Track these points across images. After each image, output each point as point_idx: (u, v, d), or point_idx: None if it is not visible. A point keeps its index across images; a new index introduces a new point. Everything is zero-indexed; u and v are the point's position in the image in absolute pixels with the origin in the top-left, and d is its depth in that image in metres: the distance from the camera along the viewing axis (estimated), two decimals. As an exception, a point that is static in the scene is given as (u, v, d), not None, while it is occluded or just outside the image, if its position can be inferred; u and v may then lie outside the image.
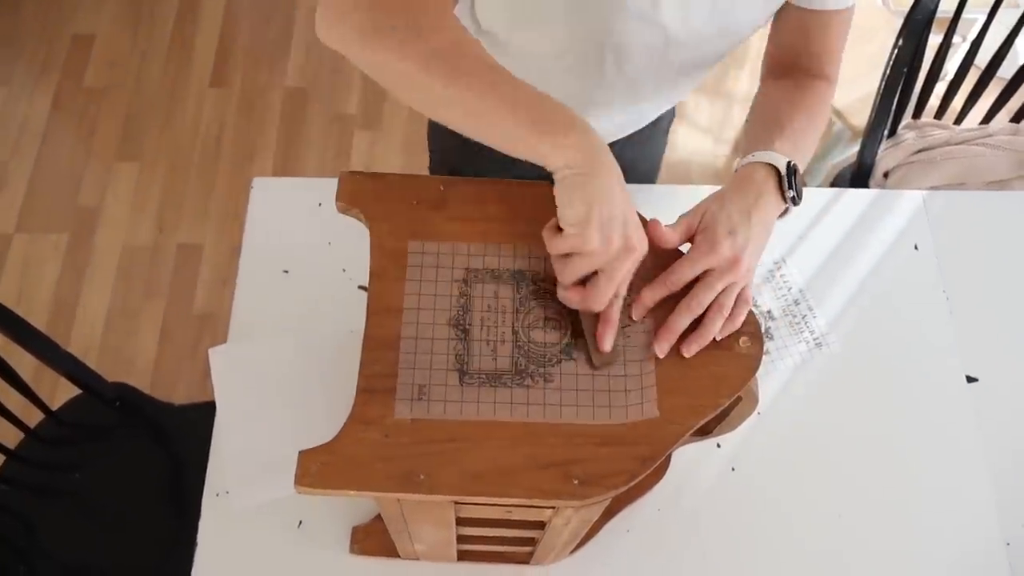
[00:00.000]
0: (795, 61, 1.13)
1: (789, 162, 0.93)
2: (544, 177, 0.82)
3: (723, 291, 0.85)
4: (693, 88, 1.27)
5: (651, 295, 0.84)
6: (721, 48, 1.09)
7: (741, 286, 0.87)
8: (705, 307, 0.84)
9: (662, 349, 0.82)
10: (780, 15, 1.10)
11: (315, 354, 1.21)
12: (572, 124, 0.77)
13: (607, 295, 0.79)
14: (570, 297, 0.80)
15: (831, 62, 1.15)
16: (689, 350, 0.82)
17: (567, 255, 0.79)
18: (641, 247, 0.79)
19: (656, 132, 1.46)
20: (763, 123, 1.03)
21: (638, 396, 0.79)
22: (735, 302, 0.86)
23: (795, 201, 0.93)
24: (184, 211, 2.57)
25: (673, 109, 1.42)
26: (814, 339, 1.26)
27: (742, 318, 0.85)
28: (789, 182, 0.92)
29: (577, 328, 0.83)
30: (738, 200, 0.90)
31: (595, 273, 0.78)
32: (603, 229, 0.76)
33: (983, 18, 1.74)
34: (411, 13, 0.82)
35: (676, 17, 0.98)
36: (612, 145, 1.19)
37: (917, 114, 1.90)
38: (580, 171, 0.76)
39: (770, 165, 0.93)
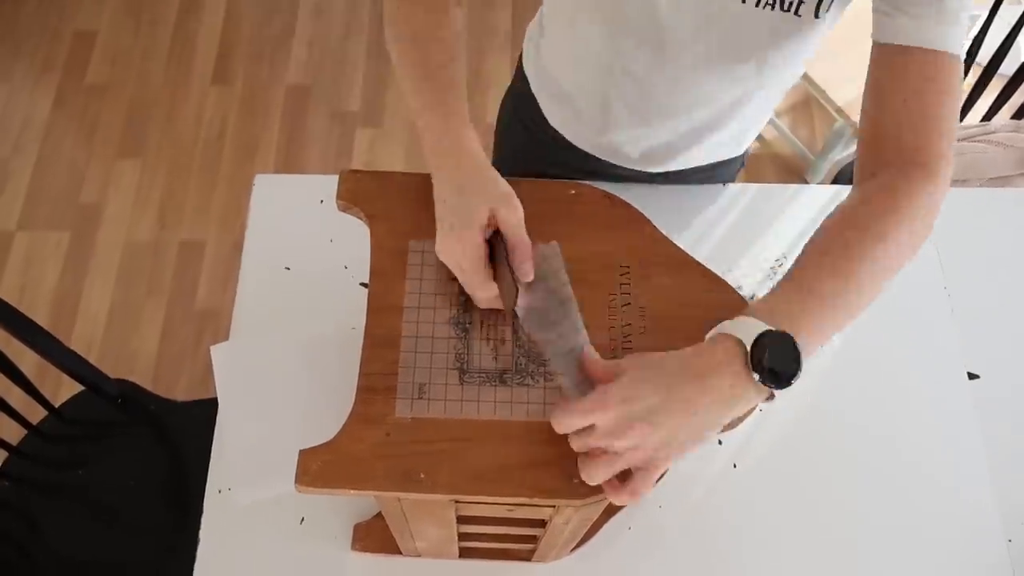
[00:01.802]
0: (895, 141, 0.88)
1: (767, 331, 0.72)
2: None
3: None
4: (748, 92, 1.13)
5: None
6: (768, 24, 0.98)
7: (634, 464, 0.72)
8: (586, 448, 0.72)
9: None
10: (876, 71, 0.92)
11: (316, 351, 1.21)
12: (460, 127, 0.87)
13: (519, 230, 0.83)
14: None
15: (936, 138, 0.86)
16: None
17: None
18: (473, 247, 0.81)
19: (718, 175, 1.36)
20: (787, 282, 0.80)
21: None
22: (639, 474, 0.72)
23: (770, 383, 0.72)
24: (186, 208, 2.57)
25: (742, 156, 1.35)
26: (815, 336, 1.26)
27: (626, 497, 0.72)
28: (755, 361, 0.71)
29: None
30: (676, 369, 0.73)
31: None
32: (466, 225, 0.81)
33: (985, 15, 1.73)
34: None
35: None
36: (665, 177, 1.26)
37: (919, 111, 1.89)
38: (444, 183, 0.85)
39: (737, 338, 0.73)
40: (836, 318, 0.77)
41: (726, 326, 0.75)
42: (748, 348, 0.72)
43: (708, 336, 0.76)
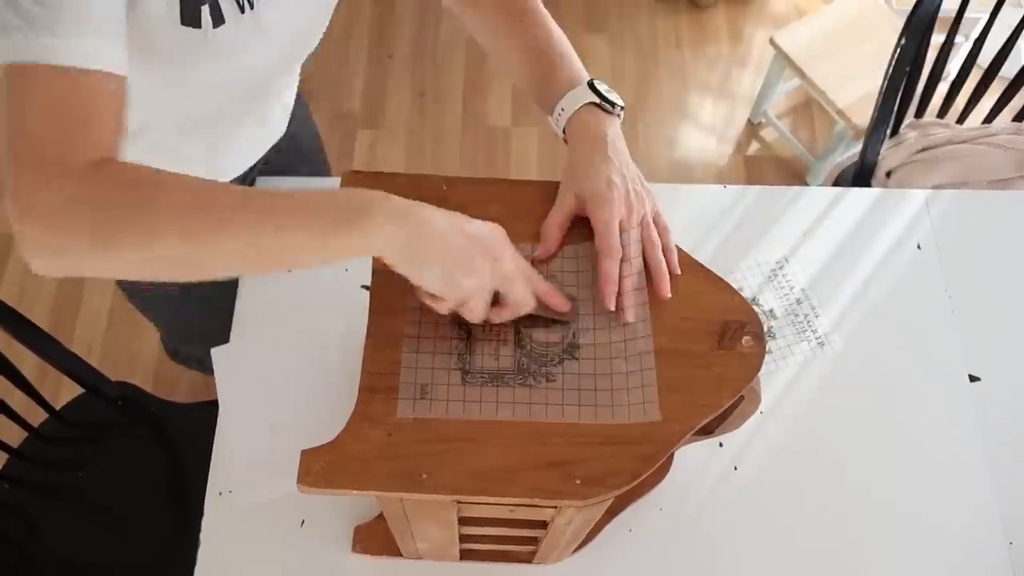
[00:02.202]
0: None
1: (590, 81, 0.93)
2: None
3: (647, 230, 0.89)
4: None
5: (605, 270, 0.85)
6: None
7: (650, 212, 0.91)
8: (620, 247, 0.86)
9: (610, 301, 0.84)
10: None
11: (318, 353, 1.21)
12: (367, 201, 0.72)
13: (529, 301, 0.81)
14: (502, 316, 0.81)
15: None
16: (661, 289, 0.86)
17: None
18: (512, 257, 0.79)
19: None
20: (529, 67, 1.00)
21: (639, 395, 0.79)
22: (645, 246, 0.88)
23: (621, 109, 0.94)
24: (187, 210, 2.57)
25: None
26: (817, 338, 1.26)
27: (672, 240, 0.89)
28: (605, 99, 0.92)
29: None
30: (591, 156, 0.91)
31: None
32: (470, 275, 0.75)
33: (986, 17, 1.73)
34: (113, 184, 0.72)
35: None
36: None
37: (919, 113, 1.90)
38: (406, 242, 0.72)
39: (584, 104, 0.92)
40: (575, 56, 0.99)
41: (565, 103, 0.93)
42: (597, 99, 0.92)
43: (557, 120, 0.95)
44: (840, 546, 1.13)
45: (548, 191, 0.91)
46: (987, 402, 1.23)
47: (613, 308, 0.84)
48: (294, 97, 1.28)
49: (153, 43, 0.84)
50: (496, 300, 0.80)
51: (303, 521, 1.12)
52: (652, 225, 0.90)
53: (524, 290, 0.80)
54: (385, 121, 2.73)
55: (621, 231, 0.87)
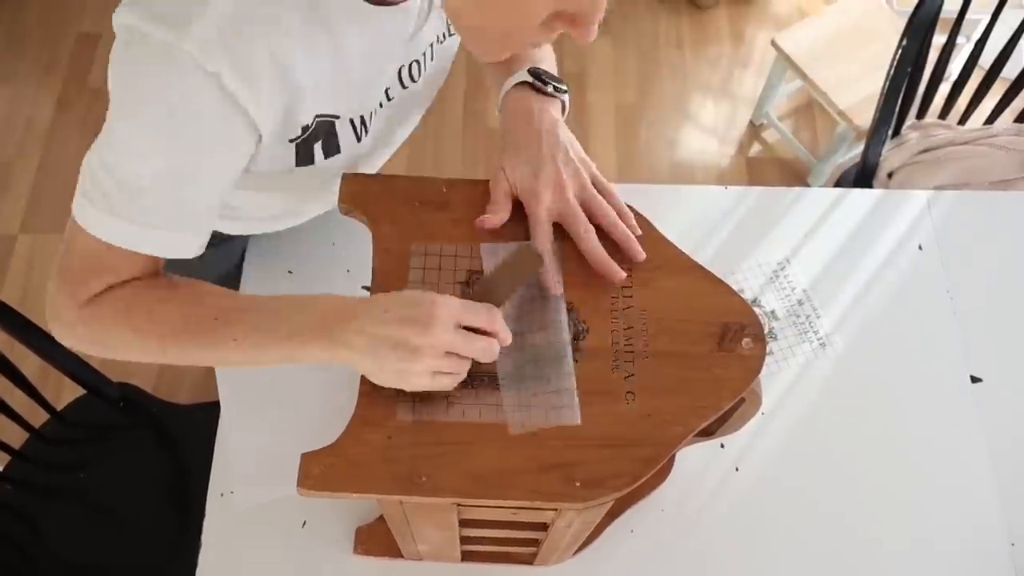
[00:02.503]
0: None
1: (532, 69, 0.94)
2: None
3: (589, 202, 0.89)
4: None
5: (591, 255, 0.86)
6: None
7: (587, 185, 0.90)
8: (588, 224, 0.87)
9: (617, 277, 0.85)
10: None
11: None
12: (303, 330, 0.79)
13: (487, 350, 0.78)
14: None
15: None
16: (632, 253, 0.87)
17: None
18: (442, 324, 0.75)
19: None
20: (500, 64, 1.02)
21: (558, 399, 0.80)
22: (603, 196, 0.90)
23: (558, 91, 0.95)
24: (188, 211, 2.57)
25: None
26: (818, 339, 1.26)
27: (621, 201, 0.90)
28: (541, 80, 0.94)
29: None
30: (518, 133, 0.91)
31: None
32: (417, 369, 0.75)
33: (987, 19, 1.73)
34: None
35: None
36: None
37: (921, 114, 1.90)
38: (349, 362, 0.78)
39: (519, 83, 0.94)
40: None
41: (506, 87, 0.95)
42: (531, 79, 0.94)
43: (500, 96, 0.96)
44: (842, 547, 1.13)
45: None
46: (989, 403, 1.23)
47: (559, 292, 0.85)
48: None
49: (265, 184, 0.91)
50: None
51: (304, 522, 1.12)
52: (596, 195, 0.90)
53: (472, 345, 0.76)
54: (387, 122, 2.73)
55: (558, 212, 0.88)
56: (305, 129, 0.84)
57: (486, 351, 0.76)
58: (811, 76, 2.34)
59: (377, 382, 0.77)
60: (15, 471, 1.49)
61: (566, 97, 0.96)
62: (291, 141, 0.85)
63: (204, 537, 1.11)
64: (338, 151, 0.91)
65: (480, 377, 0.80)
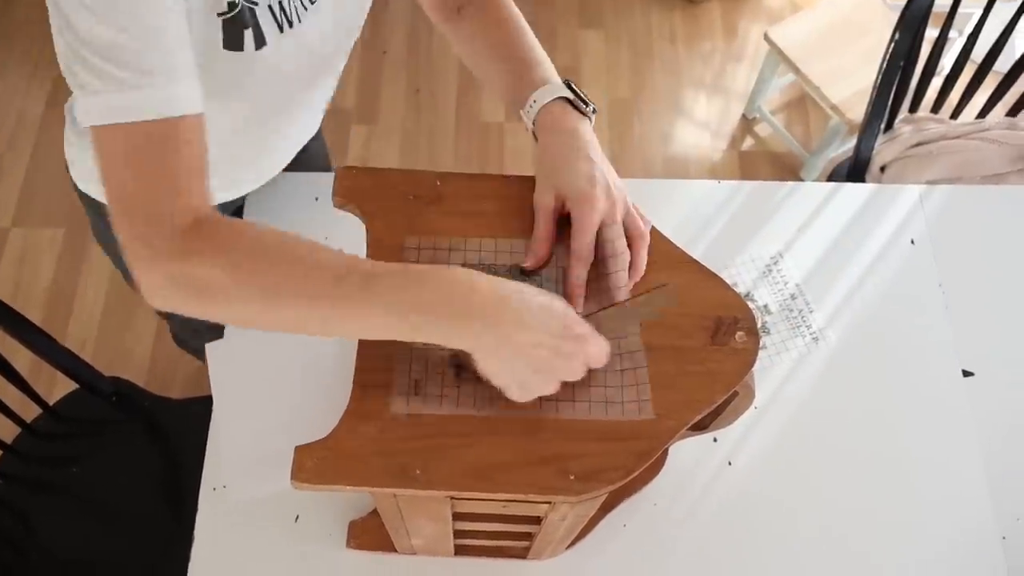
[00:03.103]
0: None
1: (566, 81, 0.93)
2: None
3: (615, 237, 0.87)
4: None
5: (574, 275, 0.85)
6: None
7: (630, 211, 0.89)
8: (591, 251, 0.85)
9: (577, 303, 0.83)
10: None
11: (312, 349, 1.21)
12: (466, 305, 0.73)
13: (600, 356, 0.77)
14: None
15: None
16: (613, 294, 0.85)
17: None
18: (582, 331, 0.75)
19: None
20: (502, 66, 1.00)
21: (633, 393, 0.79)
22: (633, 238, 0.87)
23: (594, 110, 0.93)
24: (180, 205, 2.56)
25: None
26: (811, 334, 1.27)
27: (644, 252, 0.87)
28: (580, 97, 0.92)
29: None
30: (567, 151, 0.89)
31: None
32: (543, 385, 0.75)
33: (979, 12, 1.74)
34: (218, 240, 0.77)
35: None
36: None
37: (913, 108, 1.90)
38: (488, 355, 0.74)
39: (557, 98, 0.92)
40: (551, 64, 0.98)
41: (538, 96, 0.93)
42: (571, 96, 0.92)
43: (529, 115, 0.93)
44: (833, 540, 1.14)
45: (542, 187, 0.91)
46: (980, 397, 1.23)
47: (579, 310, 0.82)
48: (331, 95, 1.29)
49: (198, 67, 0.85)
50: None
51: (297, 516, 1.12)
52: (637, 217, 0.89)
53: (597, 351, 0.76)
54: (379, 117, 2.73)
55: (604, 226, 0.86)
56: (232, 6, 0.83)
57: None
58: (804, 70, 2.35)
59: (489, 375, 0.75)
60: (7, 466, 1.49)
61: (594, 116, 0.95)
62: (219, 15, 0.83)
63: (197, 531, 1.11)
64: (264, 42, 0.88)
65: (474, 371, 0.80)
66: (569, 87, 0.92)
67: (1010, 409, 1.24)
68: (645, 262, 0.87)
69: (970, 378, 1.25)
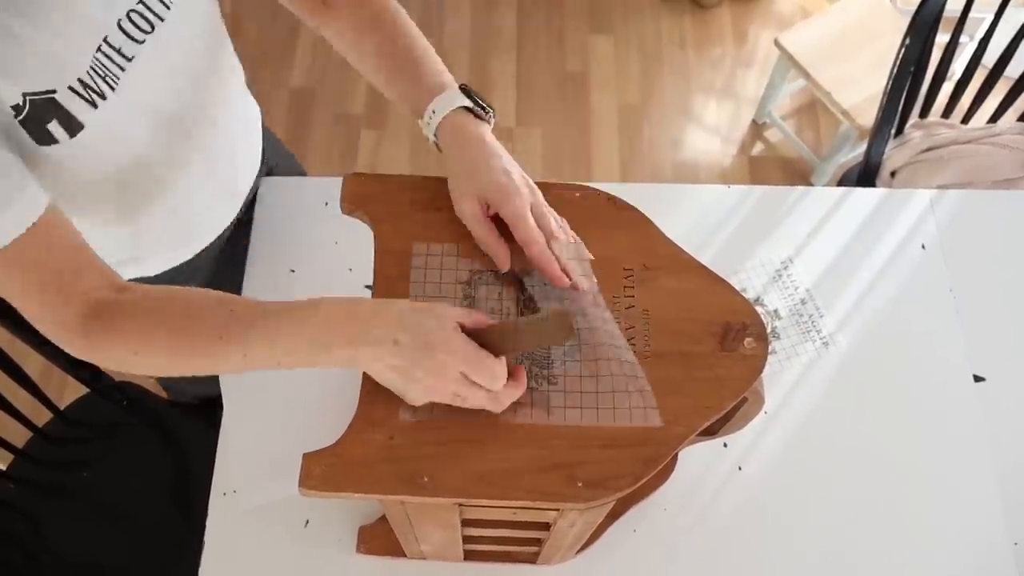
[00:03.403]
0: None
1: (462, 86, 0.92)
2: None
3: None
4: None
5: (537, 253, 0.84)
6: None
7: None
8: (539, 230, 0.85)
9: (559, 278, 0.83)
10: None
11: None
12: (328, 340, 0.76)
13: (497, 375, 0.77)
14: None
15: None
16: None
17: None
18: (458, 347, 0.75)
19: None
20: (387, 67, 0.98)
21: (640, 400, 0.79)
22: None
23: (490, 114, 0.92)
24: (191, 211, 2.57)
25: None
26: (821, 339, 1.26)
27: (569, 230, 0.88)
28: (478, 103, 0.91)
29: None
30: (476, 156, 0.89)
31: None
32: (438, 389, 0.76)
33: (990, 17, 1.73)
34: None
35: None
36: None
37: (924, 113, 1.89)
38: (372, 372, 0.77)
39: (457, 108, 0.90)
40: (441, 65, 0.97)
41: (436, 106, 0.91)
42: (470, 104, 0.91)
43: (427, 126, 0.93)
44: (844, 546, 1.13)
45: (552, 192, 0.90)
46: (992, 402, 1.23)
47: (568, 283, 0.84)
48: (255, 118, 1.25)
49: (36, 171, 0.84)
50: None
51: (307, 521, 1.12)
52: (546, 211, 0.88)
53: (476, 397, 0.77)
54: (388, 122, 2.73)
55: (535, 214, 0.85)
56: (18, 109, 0.78)
57: (491, 404, 0.77)
58: (814, 75, 2.34)
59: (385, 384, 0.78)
60: (18, 470, 1.49)
61: (493, 121, 0.94)
62: (15, 120, 0.79)
63: (207, 536, 1.11)
64: (81, 126, 0.83)
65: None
66: (466, 93, 0.91)
67: (1022, 414, 1.23)
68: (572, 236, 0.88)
69: (981, 383, 1.24)
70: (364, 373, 0.79)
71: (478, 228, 0.87)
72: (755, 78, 2.86)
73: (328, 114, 2.74)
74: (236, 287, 1.26)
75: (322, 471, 0.74)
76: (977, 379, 1.25)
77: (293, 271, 1.27)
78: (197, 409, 1.67)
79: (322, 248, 1.29)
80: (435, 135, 0.92)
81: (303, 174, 1.49)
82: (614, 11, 2.98)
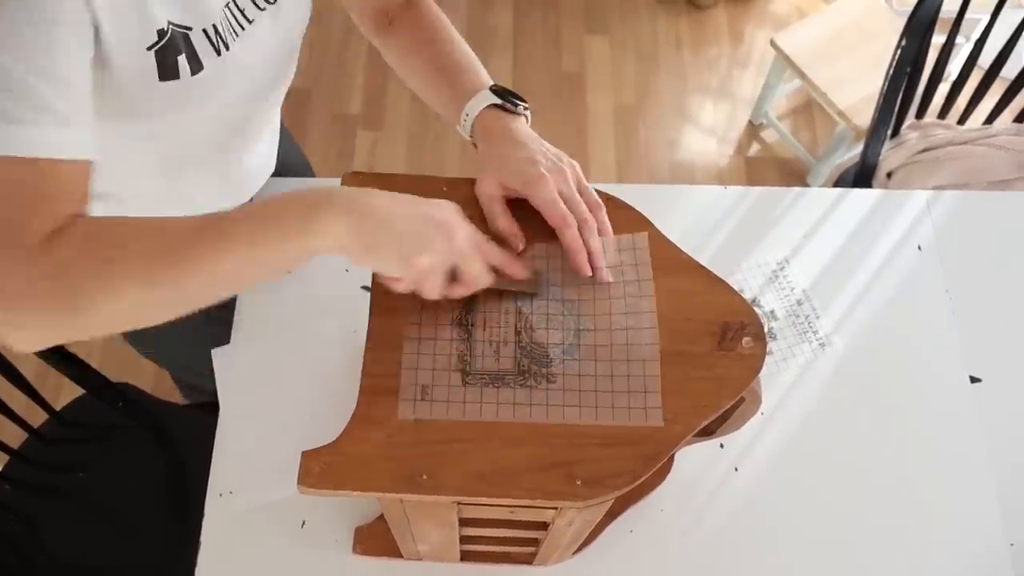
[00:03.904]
0: (386, 4, 1.08)
1: (492, 87, 0.95)
2: None
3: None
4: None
5: (569, 238, 0.86)
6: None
7: (580, 179, 0.92)
8: (568, 214, 0.87)
9: (584, 268, 0.85)
10: None
11: (318, 354, 1.21)
12: (316, 201, 0.73)
13: (485, 276, 0.81)
14: (456, 292, 0.81)
15: None
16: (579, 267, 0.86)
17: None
18: (466, 232, 0.79)
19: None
20: (434, 78, 1.02)
21: (641, 399, 0.79)
22: (593, 208, 0.90)
23: (526, 110, 0.96)
24: (187, 211, 2.57)
25: None
26: (818, 340, 1.26)
27: (605, 217, 0.90)
28: (510, 102, 0.94)
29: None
30: (503, 146, 0.92)
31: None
32: (422, 254, 0.75)
33: (986, 18, 1.73)
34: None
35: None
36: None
37: (920, 114, 1.90)
38: (358, 231, 0.73)
39: (488, 106, 0.94)
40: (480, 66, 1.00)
41: (470, 108, 0.95)
42: (500, 101, 0.94)
43: (465, 127, 0.96)
44: (840, 546, 1.13)
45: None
46: (988, 403, 1.23)
47: (590, 274, 0.85)
48: (278, 130, 1.28)
49: (132, 102, 0.86)
50: (454, 277, 0.80)
51: (304, 522, 1.12)
52: (590, 189, 0.92)
53: (480, 265, 0.80)
54: (385, 122, 2.73)
55: (565, 199, 0.88)
56: (162, 34, 0.81)
57: (483, 273, 0.80)
58: (810, 76, 2.35)
59: (370, 262, 0.76)
60: (14, 471, 1.49)
61: (529, 113, 0.97)
62: (149, 49, 0.81)
63: (203, 537, 1.10)
64: (201, 67, 0.87)
65: (481, 376, 0.80)
66: (499, 93, 0.95)
67: (1018, 415, 1.23)
68: (609, 226, 0.89)
69: (977, 384, 1.25)
70: (363, 369, 0.79)
71: (492, 206, 0.89)
72: (751, 79, 2.87)
73: (325, 114, 2.74)
74: None
75: (321, 469, 0.74)
76: (973, 380, 1.25)
77: (289, 272, 1.26)
78: (192, 409, 1.67)
79: (319, 248, 1.28)
80: (471, 136, 0.96)
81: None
82: (610, 11, 2.98)
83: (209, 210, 0.84)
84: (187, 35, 0.84)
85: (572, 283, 0.86)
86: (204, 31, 0.86)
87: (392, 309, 0.83)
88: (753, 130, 2.77)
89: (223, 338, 1.23)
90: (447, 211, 0.79)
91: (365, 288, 1.08)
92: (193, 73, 0.86)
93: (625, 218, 0.90)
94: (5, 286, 0.70)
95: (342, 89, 2.80)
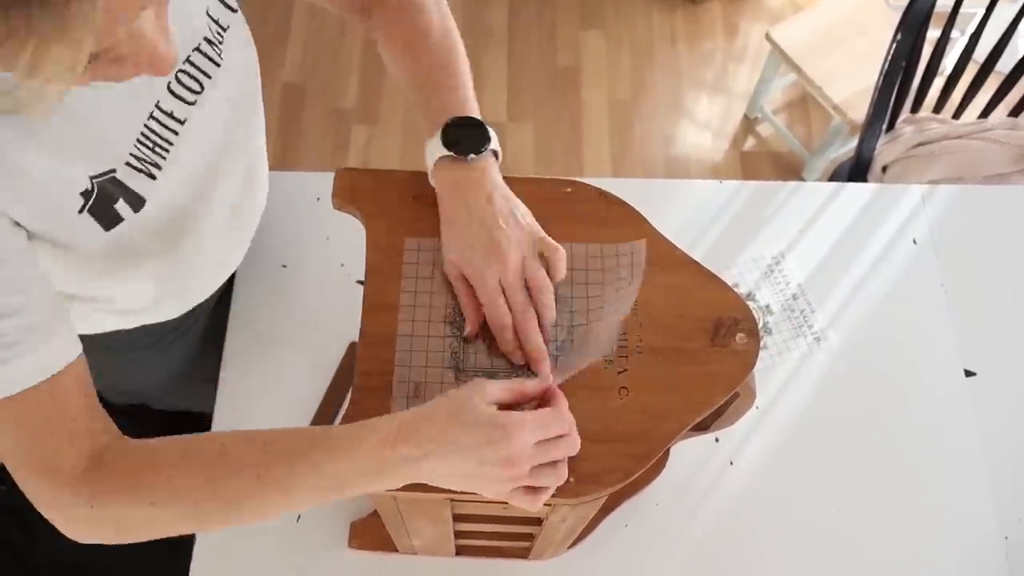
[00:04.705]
0: None
1: (449, 122, 0.85)
2: None
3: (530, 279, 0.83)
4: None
5: (505, 343, 0.81)
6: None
7: (529, 257, 0.83)
8: (507, 314, 0.81)
9: (548, 378, 0.77)
10: None
11: (313, 352, 1.21)
12: (379, 468, 0.70)
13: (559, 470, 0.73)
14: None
15: None
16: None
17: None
18: (515, 424, 0.69)
19: None
20: (412, 93, 0.94)
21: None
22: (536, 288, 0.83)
23: (471, 157, 0.84)
24: (182, 206, 2.56)
25: None
26: (813, 334, 1.26)
27: (543, 276, 0.82)
28: (464, 150, 0.84)
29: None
30: (456, 218, 0.84)
31: None
32: (497, 484, 0.70)
33: (981, 12, 1.73)
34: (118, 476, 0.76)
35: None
36: None
37: (915, 108, 1.90)
38: (429, 479, 0.70)
39: (439, 158, 0.85)
40: (463, 84, 0.92)
41: (427, 156, 0.86)
42: (444, 153, 0.84)
43: (429, 171, 0.86)
44: (835, 540, 1.14)
45: (543, 188, 0.90)
46: (983, 397, 1.23)
47: (551, 382, 0.77)
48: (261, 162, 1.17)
49: (96, 257, 0.83)
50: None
51: (299, 517, 1.12)
52: (537, 271, 0.83)
53: (556, 451, 0.72)
54: (380, 117, 2.73)
55: (504, 288, 0.81)
56: (88, 195, 0.76)
57: (570, 449, 0.72)
58: (805, 70, 2.34)
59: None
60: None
61: (490, 156, 0.86)
62: (80, 212, 0.77)
63: (198, 532, 1.10)
64: (142, 200, 0.82)
65: (475, 373, 0.80)
66: (453, 136, 0.85)
67: (1012, 409, 1.23)
68: (552, 308, 0.82)
69: (972, 378, 1.25)
70: (356, 367, 0.79)
71: (457, 287, 0.83)
72: (746, 73, 2.86)
73: (320, 109, 2.73)
74: (227, 285, 1.24)
75: (313, 467, 0.74)
76: (968, 374, 1.25)
77: (285, 267, 1.27)
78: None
79: (314, 244, 1.28)
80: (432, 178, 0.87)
81: None
82: (605, 6, 2.98)
83: (214, 255, 0.93)
84: (114, 177, 0.79)
85: (565, 280, 0.86)
86: (128, 164, 0.80)
87: (385, 306, 0.83)
88: (748, 124, 2.77)
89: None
90: (504, 432, 0.69)
91: (360, 283, 1.08)
92: (136, 211, 0.82)
93: (619, 214, 0.90)
94: (58, 521, 0.79)
95: (336, 84, 2.79)
